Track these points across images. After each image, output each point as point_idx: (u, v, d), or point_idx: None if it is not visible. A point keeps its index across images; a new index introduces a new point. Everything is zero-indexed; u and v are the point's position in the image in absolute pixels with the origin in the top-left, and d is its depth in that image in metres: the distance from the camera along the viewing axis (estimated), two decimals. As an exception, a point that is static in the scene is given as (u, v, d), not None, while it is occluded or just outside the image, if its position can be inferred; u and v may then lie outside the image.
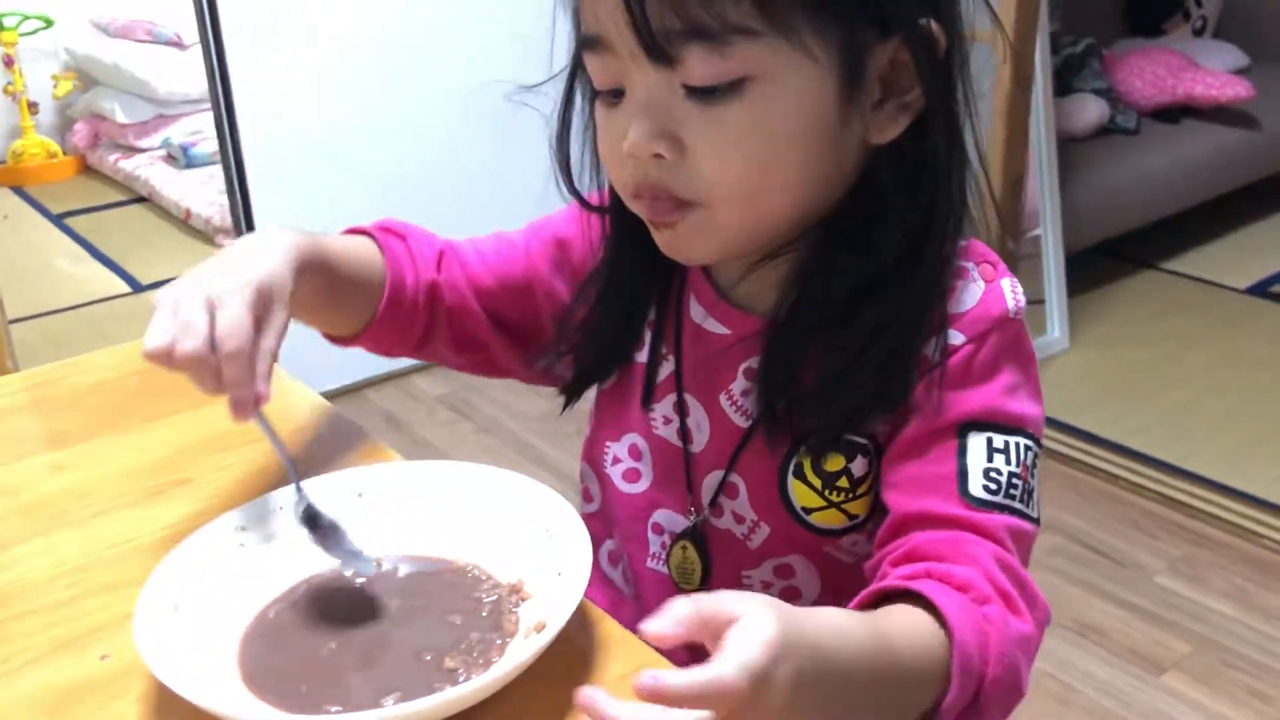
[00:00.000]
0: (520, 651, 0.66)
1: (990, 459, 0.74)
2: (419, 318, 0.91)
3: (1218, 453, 2.45)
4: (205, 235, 3.93)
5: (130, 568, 0.80)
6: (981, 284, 0.78)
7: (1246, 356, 2.85)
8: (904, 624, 0.66)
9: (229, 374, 0.72)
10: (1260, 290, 3.18)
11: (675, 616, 0.54)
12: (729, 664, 0.52)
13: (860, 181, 0.77)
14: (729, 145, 0.72)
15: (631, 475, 0.91)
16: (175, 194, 4.10)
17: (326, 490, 0.81)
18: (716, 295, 0.85)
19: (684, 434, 0.87)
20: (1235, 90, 3.33)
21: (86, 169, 4.64)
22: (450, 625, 0.72)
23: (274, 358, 0.75)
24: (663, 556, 0.89)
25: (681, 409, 0.87)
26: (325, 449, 0.94)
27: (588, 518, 0.96)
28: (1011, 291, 0.79)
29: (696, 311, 0.86)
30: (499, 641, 0.70)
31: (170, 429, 0.98)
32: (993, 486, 0.73)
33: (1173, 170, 3.24)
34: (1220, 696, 1.88)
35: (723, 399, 0.84)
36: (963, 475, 0.74)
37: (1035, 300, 2.84)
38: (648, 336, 0.89)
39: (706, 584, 0.87)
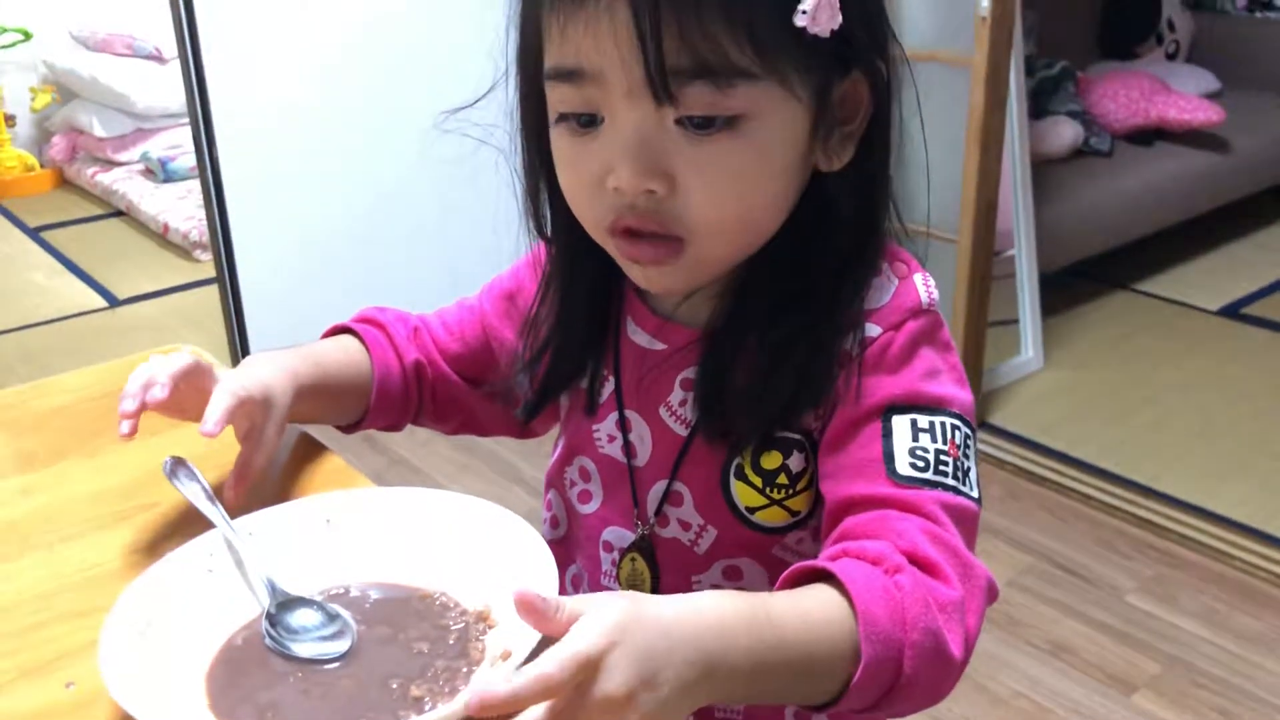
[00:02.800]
0: (485, 679, 0.67)
1: (915, 438, 0.76)
2: (409, 398, 0.99)
3: (1189, 473, 2.47)
4: (183, 250, 3.93)
5: (97, 593, 0.80)
6: (895, 280, 0.81)
7: (1218, 376, 2.88)
8: (798, 599, 0.67)
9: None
10: (1231, 312, 3.21)
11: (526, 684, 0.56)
12: (550, 660, 0.56)
13: (801, 204, 0.79)
14: (722, 180, 0.74)
15: (584, 496, 0.93)
16: (153, 208, 4.09)
17: (294, 518, 0.82)
18: (657, 318, 0.87)
19: (627, 449, 0.89)
20: (1207, 114, 3.37)
21: (64, 182, 4.63)
22: (417, 653, 0.72)
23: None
24: (613, 573, 0.91)
25: (623, 425, 0.89)
26: (295, 473, 0.95)
27: (553, 544, 0.97)
28: (924, 285, 0.81)
29: (634, 332, 0.88)
30: (465, 670, 0.70)
31: (138, 453, 0.97)
32: (920, 464, 0.75)
33: (1146, 192, 3.28)
34: (1189, 716, 1.89)
35: (662, 411, 0.86)
36: (889, 456, 0.75)
37: (1009, 320, 2.86)
38: (589, 364, 0.91)
39: (656, 592, 0.87)
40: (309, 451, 0.98)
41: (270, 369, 0.90)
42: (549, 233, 0.88)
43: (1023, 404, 2.76)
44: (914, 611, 0.68)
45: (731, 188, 0.74)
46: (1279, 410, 2.73)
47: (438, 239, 2.89)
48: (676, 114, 0.72)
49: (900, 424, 0.76)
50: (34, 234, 4.21)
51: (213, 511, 0.82)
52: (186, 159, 4.23)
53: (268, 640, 0.73)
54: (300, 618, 0.74)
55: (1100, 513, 2.41)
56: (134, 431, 0.84)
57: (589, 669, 0.57)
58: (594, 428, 0.91)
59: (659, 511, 0.88)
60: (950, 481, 0.75)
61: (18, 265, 3.95)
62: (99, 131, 4.40)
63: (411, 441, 2.70)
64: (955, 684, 0.72)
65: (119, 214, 4.32)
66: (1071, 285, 3.25)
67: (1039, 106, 3.31)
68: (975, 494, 0.77)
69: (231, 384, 0.86)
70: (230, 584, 0.78)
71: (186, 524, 0.86)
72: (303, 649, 0.72)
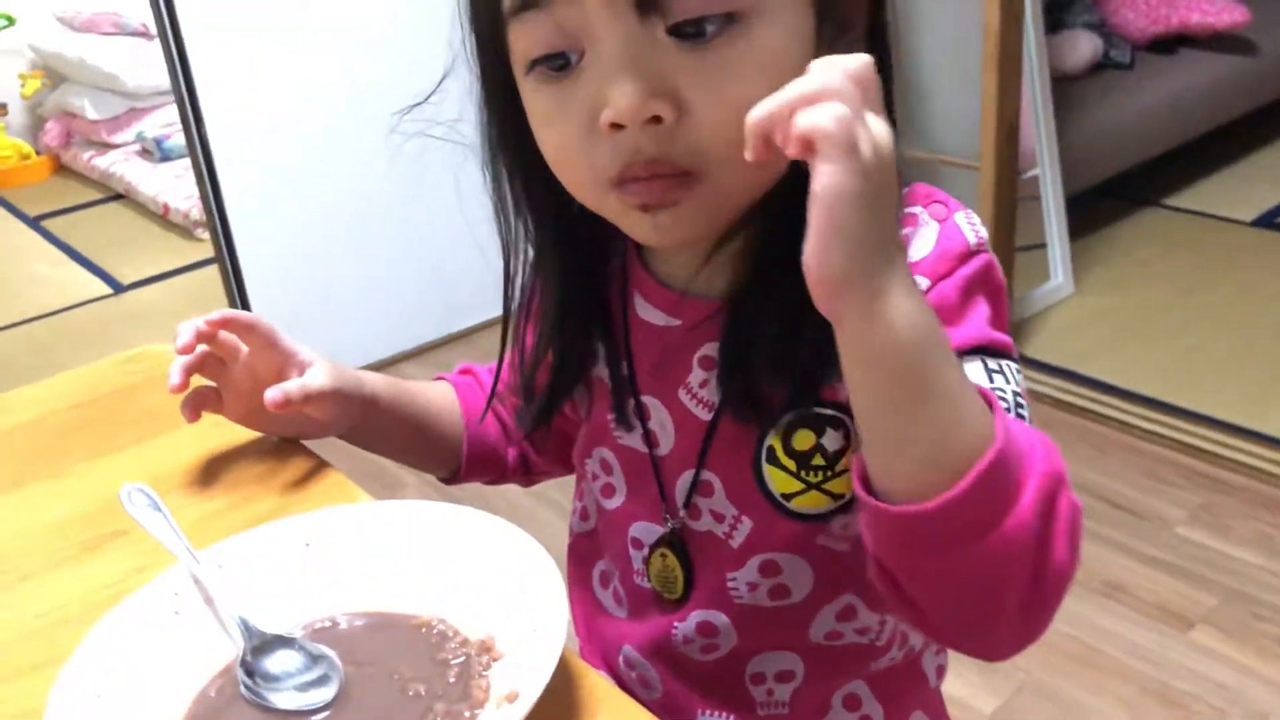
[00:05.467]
0: None
1: (990, 380, 0.67)
2: (511, 468, 0.98)
3: (1233, 393, 2.37)
4: (184, 230, 3.86)
5: (59, 642, 0.72)
6: (935, 225, 0.71)
7: (1258, 291, 2.77)
8: None
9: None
10: (1267, 222, 3.09)
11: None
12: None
13: None
14: (733, 93, 0.63)
15: (608, 490, 0.85)
16: (152, 189, 4.02)
17: (269, 543, 0.74)
18: (673, 294, 0.78)
19: (648, 438, 0.80)
20: (1232, 16, 3.24)
21: (61, 168, 4.56)
22: (413, 696, 0.64)
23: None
24: (645, 570, 0.83)
25: (641, 413, 0.80)
26: (282, 486, 0.86)
27: (583, 538, 0.91)
28: (969, 224, 0.72)
29: (644, 310, 0.79)
30: (468, 714, 0.62)
31: (105, 472, 0.89)
32: (1003, 405, 0.64)
33: (1171, 103, 3.16)
34: (1251, 650, 1.82)
35: (681, 394, 0.78)
36: None
37: (1036, 245, 2.77)
38: (600, 349, 0.82)
39: (689, 591, 0.81)
40: (298, 459, 0.89)
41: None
42: (526, 219, 0.78)
43: (1056, 332, 2.66)
44: (1040, 451, 0.59)
45: (742, 96, 0.62)
46: (1325, 322, 2.62)
47: (446, 205, 2.80)
48: (666, 23, 0.63)
49: (973, 365, 0.67)
50: (34, 223, 4.14)
51: (177, 544, 0.73)
52: (181, 136, 4.13)
53: (244, 690, 0.65)
54: (279, 661, 0.66)
55: (1143, 441, 2.32)
56: (184, 385, 0.83)
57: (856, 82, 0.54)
58: (609, 417, 0.82)
59: (688, 503, 0.79)
60: (1026, 423, 0.66)
61: (21, 256, 3.89)
62: (92, 114, 4.32)
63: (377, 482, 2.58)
64: (1054, 602, 0.60)
65: (119, 197, 4.25)
66: (1099, 205, 3.13)
67: (1054, 20, 3.18)
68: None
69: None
70: (200, 626, 0.69)
71: (157, 553, 0.77)
72: (283, 699, 0.64)
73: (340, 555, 0.73)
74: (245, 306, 2.69)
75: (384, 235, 2.82)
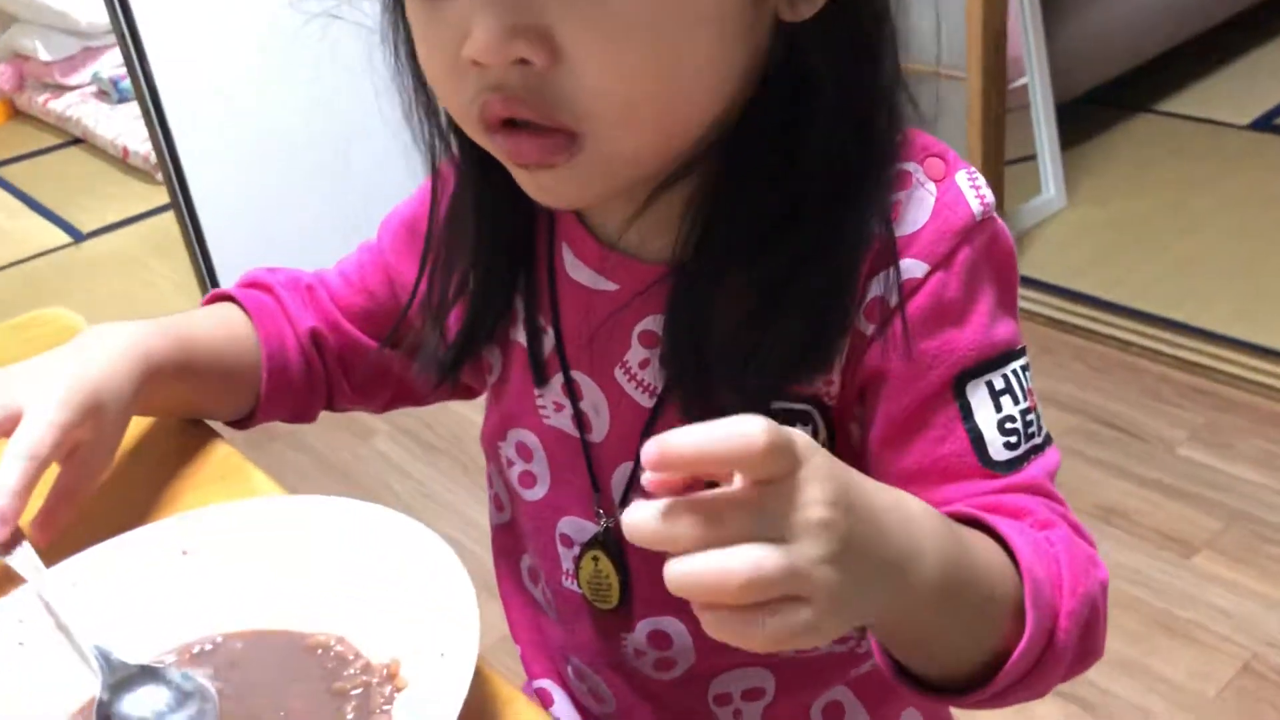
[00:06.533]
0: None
1: (999, 407, 0.60)
2: (314, 378, 0.80)
3: (1234, 307, 2.28)
4: (145, 174, 3.74)
5: None
6: (932, 186, 0.61)
7: (1256, 196, 2.66)
8: (972, 533, 0.54)
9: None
10: (1264, 124, 2.98)
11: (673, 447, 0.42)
12: (747, 419, 0.41)
13: (770, 76, 0.58)
14: (625, 37, 0.53)
15: (527, 479, 0.74)
16: (110, 132, 3.89)
17: (139, 550, 0.63)
18: (600, 246, 0.66)
19: (579, 420, 0.69)
20: (1225, -92, 3.10)
21: (16, 113, 4.42)
22: (304, 735, 0.54)
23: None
24: (574, 573, 0.73)
25: (571, 391, 0.69)
26: (158, 479, 0.75)
27: (500, 530, 0.80)
28: (971, 187, 0.61)
29: (574, 267, 0.68)
30: (363, 758, 0.53)
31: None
32: (1012, 440, 0.60)
33: (1161, 4, 3.02)
34: (1255, 574, 1.75)
35: (619, 374, 0.67)
36: (978, 442, 0.60)
37: (1026, 157, 2.67)
38: (519, 308, 0.71)
39: (628, 599, 0.71)
40: (184, 443, 0.77)
41: (107, 354, 0.69)
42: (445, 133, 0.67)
43: (1048, 248, 2.56)
44: (1073, 573, 0.55)
45: (639, 48, 0.53)
46: (1328, 227, 2.52)
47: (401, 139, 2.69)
48: None
49: (978, 394, 0.60)
50: (-10, 172, 4.02)
51: (21, 559, 0.62)
52: (140, 76, 4.02)
53: None
54: (143, 700, 0.56)
55: (1141, 359, 2.24)
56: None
57: (789, 460, 0.42)
58: (536, 392, 0.71)
59: (625, 500, 0.69)
60: (1040, 440, 0.60)
61: (-23, 207, 3.77)
62: (44, 55, 4.17)
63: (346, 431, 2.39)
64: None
65: (77, 141, 4.11)
66: (1090, 113, 3.01)
67: (1040, -81, 3.04)
68: (1048, 433, 0.62)
69: (29, 434, 0.64)
70: (50, 659, 0.59)
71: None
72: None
73: (222, 564, 0.63)
74: (204, 251, 2.60)
75: (352, 168, 2.70)
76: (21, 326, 0.98)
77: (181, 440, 0.78)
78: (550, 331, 0.70)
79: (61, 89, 4.22)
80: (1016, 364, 0.61)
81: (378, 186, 2.73)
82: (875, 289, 0.60)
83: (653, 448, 0.42)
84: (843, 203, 0.59)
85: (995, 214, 0.62)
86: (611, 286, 0.66)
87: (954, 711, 0.75)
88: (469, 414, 2.15)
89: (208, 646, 0.61)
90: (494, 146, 0.58)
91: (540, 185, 0.59)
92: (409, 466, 2.26)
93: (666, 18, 0.53)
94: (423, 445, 2.30)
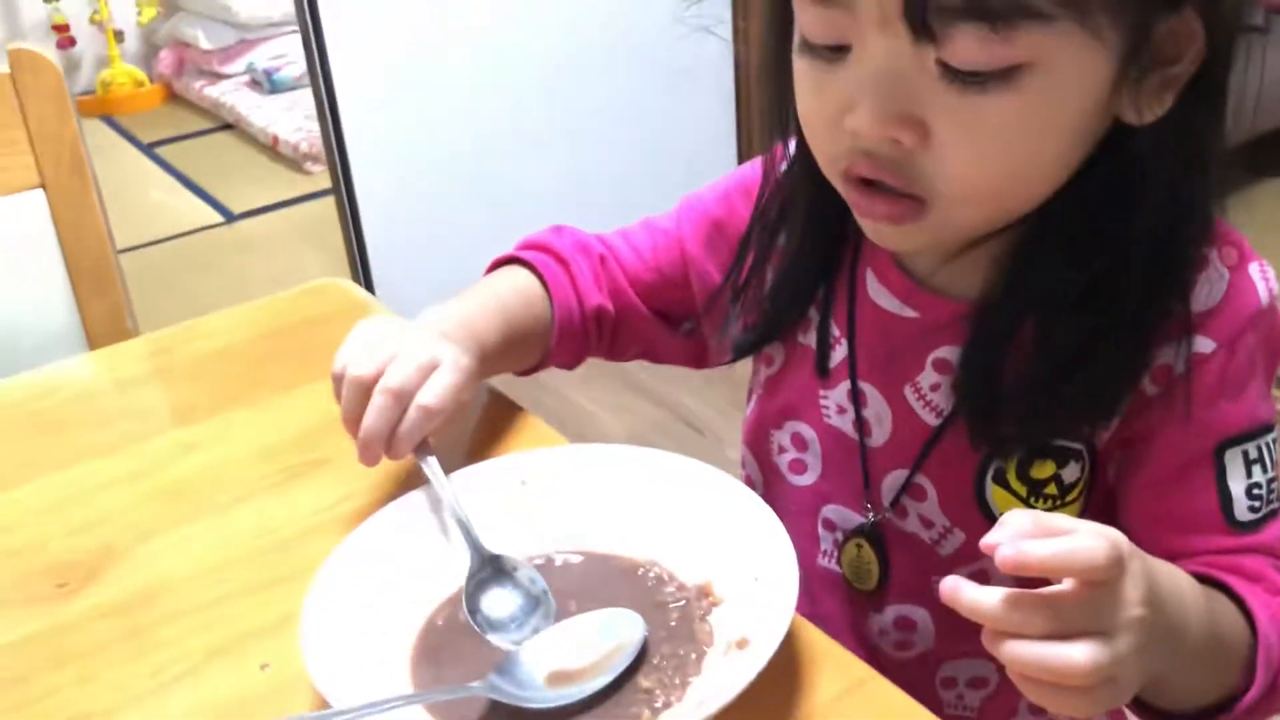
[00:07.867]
0: (724, 671, 0.59)
1: (1250, 473, 0.68)
2: (587, 342, 0.90)
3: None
4: (294, 162, 3.89)
5: (274, 564, 0.75)
6: (1225, 273, 0.68)
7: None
8: (1217, 597, 0.63)
9: (368, 421, 0.72)
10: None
11: (1015, 529, 0.51)
12: (1085, 533, 0.51)
13: (1098, 160, 0.66)
14: (990, 140, 0.61)
15: (797, 466, 0.83)
16: (261, 120, 4.06)
17: (486, 478, 0.75)
18: (908, 280, 0.75)
19: (860, 426, 0.78)
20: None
21: (173, 97, 4.61)
22: (638, 635, 0.64)
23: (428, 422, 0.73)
24: (834, 554, 0.82)
25: (856, 399, 0.78)
26: (478, 427, 0.87)
27: None
28: (1261, 277, 0.69)
29: (877, 292, 0.77)
30: (694, 656, 0.63)
31: (301, 401, 0.91)
32: (1256, 505, 0.69)
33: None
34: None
35: (908, 391, 0.75)
36: (1226, 503, 0.68)
37: None
38: (814, 316, 0.80)
39: (884, 585, 0.80)
40: (495, 404, 0.90)
41: (460, 338, 0.78)
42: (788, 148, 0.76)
43: None
44: None
45: (1000, 150, 0.61)
46: None
47: (568, 152, 2.79)
48: (938, 55, 0.59)
49: (1234, 461, 0.68)
50: (148, 150, 4.20)
51: (431, 465, 0.73)
52: (291, 69, 4.18)
53: (472, 624, 0.66)
54: (498, 602, 0.67)
55: None
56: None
57: (1119, 569, 0.52)
58: (821, 393, 0.80)
59: (896, 502, 0.78)
60: (1277, 505, 0.69)
61: (137, 182, 3.94)
62: (204, 44, 4.36)
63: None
64: None
65: (228, 127, 4.29)
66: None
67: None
68: None
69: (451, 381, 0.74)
70: (428, 555, 0.71)
71: (361, 479, 0.79)
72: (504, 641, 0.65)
73: (554, 495, 0.74)
74: (361, 243, 2.71)
75: (506, 176, 2.79)
76: (310, 292, 1.08)
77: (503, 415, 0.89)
78: (844, 343, 0.78)
79: (217, 76, 4.40)
80: (1269, 437, 0.69)
81: (549, 206, 2.83)
82: (1164, 356, 0.68)
83: (1009, 551, 0.50)
84: (1150, 283, 0.66)
85: (1277, 304, 0.70)
86: (913, 314, 0.75)
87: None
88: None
89: (542, 560, 0.71)
90: (848, 195, 0.68)
91: (879, 233, 0.68)
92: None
93: (1031, 127, 0.61)
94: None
